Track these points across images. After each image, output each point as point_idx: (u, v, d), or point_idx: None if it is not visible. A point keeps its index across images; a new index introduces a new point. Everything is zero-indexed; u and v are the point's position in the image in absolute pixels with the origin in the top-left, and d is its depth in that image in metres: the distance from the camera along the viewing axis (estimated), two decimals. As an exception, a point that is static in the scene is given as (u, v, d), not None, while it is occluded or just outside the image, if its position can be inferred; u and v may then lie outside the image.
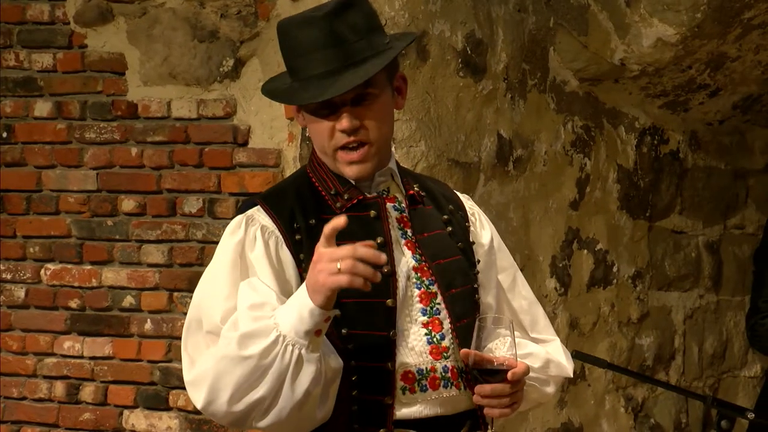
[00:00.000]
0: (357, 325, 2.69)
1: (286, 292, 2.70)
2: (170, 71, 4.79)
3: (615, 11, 4.98)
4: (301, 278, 2.70)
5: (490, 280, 2.95)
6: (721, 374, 5.94)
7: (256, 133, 4.70)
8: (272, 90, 2.84)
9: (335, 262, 2.51)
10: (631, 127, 5.46)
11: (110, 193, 4.88)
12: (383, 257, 2.53)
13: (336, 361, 2.65)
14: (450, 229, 2.88)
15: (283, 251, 2.73)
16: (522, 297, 3.01)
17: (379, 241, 2.74)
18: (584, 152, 5.23)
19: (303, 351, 2.57)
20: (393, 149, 2.90)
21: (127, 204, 4.85)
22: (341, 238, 2.67)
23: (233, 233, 2.75)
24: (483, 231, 2.98)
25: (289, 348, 2.57)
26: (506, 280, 3.00)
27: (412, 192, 2.87)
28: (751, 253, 5.84)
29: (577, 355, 3.97)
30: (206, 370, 2.63)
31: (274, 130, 4.67)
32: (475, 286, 2.86)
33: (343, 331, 2.69)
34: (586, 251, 5.27)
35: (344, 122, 2.71)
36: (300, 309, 2.57)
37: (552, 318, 5.03)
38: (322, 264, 2.53)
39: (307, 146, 4.52)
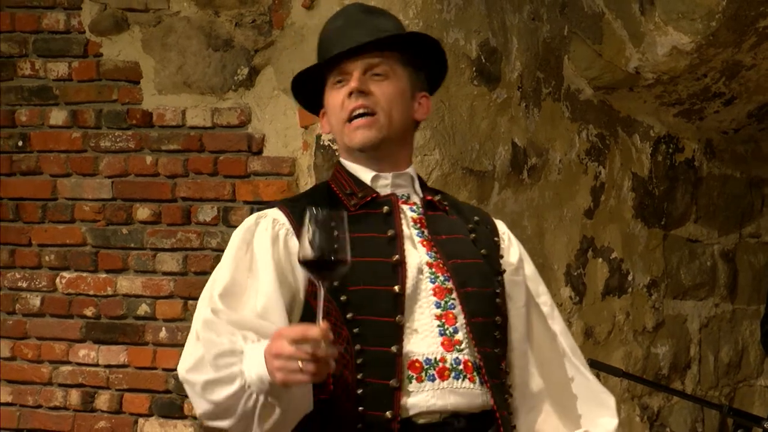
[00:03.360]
0: (362, 310, 2.72)
1: (286, 283, 2.74)
2: (185, 80, 4.80)
3: (629, 19, 4.98)
4: None
5: (518, 297, 2.96)
6: (737, 383, 5.92)
7: (270, 142, 4.71)
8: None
9: (295, 359, 2.50)
10: (646, 135, 5.45)
11: (125, 202, 4.88)
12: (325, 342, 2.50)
13: (303, 404, 2.67)
14: (474, 236, 2.91)
15: (292, 241, 2.78)
16: (560, 323, 3.07)
17: (389, 234, 2.79)
18: (599, 161, 5.23)
19: (269, 398, 2.60)
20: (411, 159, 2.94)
21: (142, 212, 4.86)
22: (355, 232, 2.69)
23: (244, 224, 2.83)
24: (512, 249, 3.01)
25: (254, 396, 2.60)
26: (546, 304, 3.04)
27: (430, 198, 2.91)
28: (766, 262, 5.83)
29: (592, 364, 3.96)
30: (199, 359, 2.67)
31: (288, 139, 4.68)
32: (497, 290, 2.88)
33: (348, 315, 2.72)
34: (600, 260, 5.26)
35: (353, 82, 2.80)
36: (264, 365, 2.59)
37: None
38: (283, 360, 2.51)
39: (321, 155, 4.53)
